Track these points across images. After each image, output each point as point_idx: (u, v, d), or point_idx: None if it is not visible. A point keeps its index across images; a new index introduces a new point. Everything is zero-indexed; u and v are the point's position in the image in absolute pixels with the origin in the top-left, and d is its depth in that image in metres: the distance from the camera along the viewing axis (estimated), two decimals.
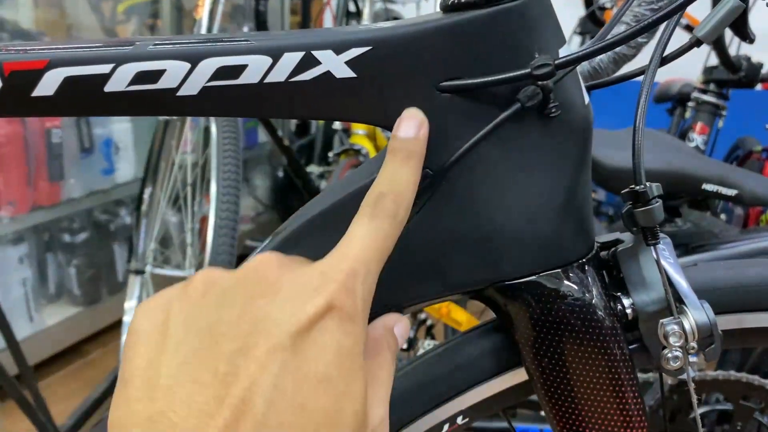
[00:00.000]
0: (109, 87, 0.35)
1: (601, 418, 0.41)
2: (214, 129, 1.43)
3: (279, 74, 0.36)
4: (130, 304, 1.64)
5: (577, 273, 0.40)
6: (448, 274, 0.39)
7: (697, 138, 1.73)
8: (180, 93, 0.36)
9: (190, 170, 1.64)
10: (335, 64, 0.35)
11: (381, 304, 0.40)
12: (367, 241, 0.32)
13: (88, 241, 2.23)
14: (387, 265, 0.39)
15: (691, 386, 0.40)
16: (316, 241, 0.39)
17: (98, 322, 2.26)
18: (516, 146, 0.37)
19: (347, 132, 2.10)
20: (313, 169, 2.33)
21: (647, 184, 0.37)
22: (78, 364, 2.15)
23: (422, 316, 1.41)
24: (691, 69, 1.75)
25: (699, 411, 1.01)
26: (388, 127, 0.37)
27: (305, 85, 0.36)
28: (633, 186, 0.38)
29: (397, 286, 0.39)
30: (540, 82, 0.35)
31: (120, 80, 0.35)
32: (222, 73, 0.35)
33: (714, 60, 1.69)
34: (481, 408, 0.44)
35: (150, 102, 0.36)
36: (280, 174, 2.74)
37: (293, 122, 2.91)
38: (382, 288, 0.40)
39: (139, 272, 1.64)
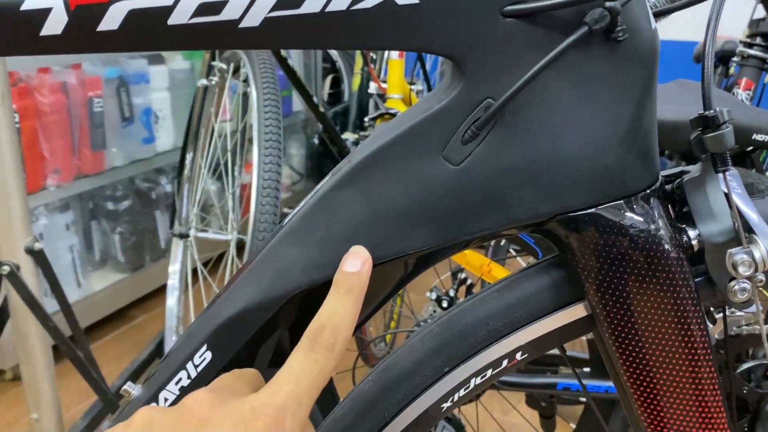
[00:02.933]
0: (173, 20, 0.36)
1: (665, 350, 0.40)
2: (254, 93, 1.43)
3: (340, 2, 0.35)
4: (173, 268, 1.67)
5: (642, 204, 0.39)
6: (511, 207, 0.39)
7: (741, 93, 1.68)
8: (242, 25, 0.36)
9: (230, 137, 1.65)
10: None
11: (443, 239, 0.40)
12: (301, 375, 0.35)
13: (131, 209, 2.27)
14: (448, 200, 0.39)
15: (761, 317, 0.39)
16: (374, 177, 0.39)
17: (143, 287, 2.32)
18: (581, 73, 0.37)
19: (382, 97, 2.09)
20: (349, 136, 2.33)
21: (717, 108, 0.37)
22: (124, 328, 2.21)
23: (462, 275, 1.40)
24: (733, 28, 1.69)
25: (747, 365, 1.00)
26: (451, 57, 0.37)
27: (367, 13, 0.35)
28: (702, 111, 0.37)
29: (460, 220, 0.39)
30: (608, 4, 0.34)
31: (183, 12, 0.35)
32: (284, 2, 0.35)
33: (761, 12, 1.63)
34: (540, 344, 0.44)
35: (212, 35, 0.36)
36: (316, 142, 2.75)
37: (327, 90, 2.90)
38: (444, 223, 0.40)
39: (183, 236, 1.67)
